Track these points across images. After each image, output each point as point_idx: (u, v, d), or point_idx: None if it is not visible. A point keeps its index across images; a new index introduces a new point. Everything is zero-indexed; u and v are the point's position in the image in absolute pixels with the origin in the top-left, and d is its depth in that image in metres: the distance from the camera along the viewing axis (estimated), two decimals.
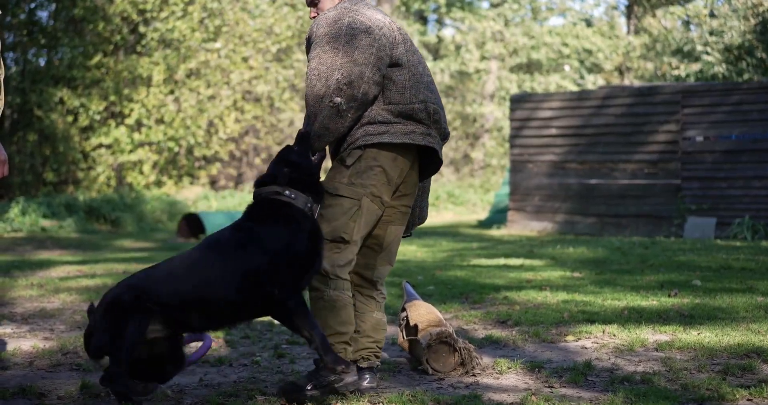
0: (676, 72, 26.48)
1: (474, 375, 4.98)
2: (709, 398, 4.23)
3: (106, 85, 23.83)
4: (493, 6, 35.61)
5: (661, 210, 16.61)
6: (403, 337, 5.31)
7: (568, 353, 5.46)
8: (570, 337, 5.86)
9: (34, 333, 6.45)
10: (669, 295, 7.47)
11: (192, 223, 17.27)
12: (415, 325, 5.21)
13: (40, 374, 5.09)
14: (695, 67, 25.39)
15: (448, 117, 33.88)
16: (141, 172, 24.53)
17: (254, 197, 4.42)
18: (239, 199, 23.60)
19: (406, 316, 5.31)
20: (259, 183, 4.46)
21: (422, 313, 5.29)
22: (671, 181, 16.53)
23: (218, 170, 26.72)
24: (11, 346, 5.88)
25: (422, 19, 38.30)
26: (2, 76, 4.01)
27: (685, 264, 9.91)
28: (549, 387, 4.61)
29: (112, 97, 23.89)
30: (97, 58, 23.87)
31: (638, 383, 4.58)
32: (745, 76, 23.48)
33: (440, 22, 38.44)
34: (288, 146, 4.51)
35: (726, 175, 16.00)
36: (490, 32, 34.24)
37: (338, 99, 4.36)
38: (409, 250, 12.63)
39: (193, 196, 23.83)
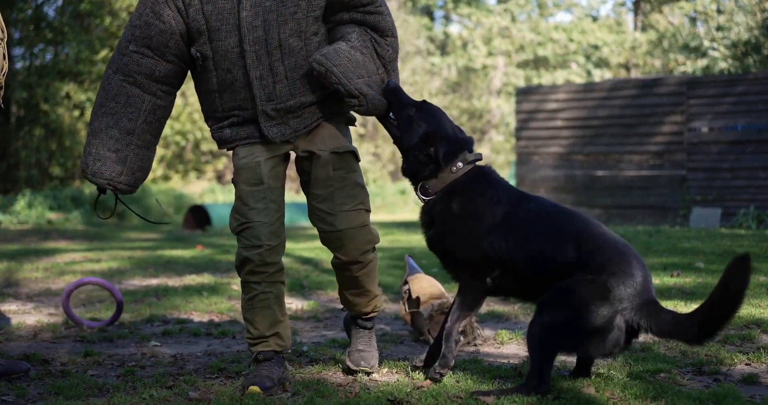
0: (682, 68, 26.47)
1: (475, 345, 5.00)
2: (708, 362, 4.25)
3: None
4: (500, 2, 35.62)
5: (667, 201, 16.61)
6: (406, 310, 5.32)
7: None
8: None
9: (39, 309, 6.50)
10: (671, 275, 7.48)
11: (198, 215, 17.33)
12: (417, 298, 5.23)
13: (44, 345, 5.13)
14: (701, 63, 25.39)
15: (454, 112, 33.92)
16: None
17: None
18: None
19: (408, 289, 5.32)
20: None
21: (424, 286, 5.30)
22: (676, 172, 16.53)
23: (225, 165, 26.75)
24: (16, 320, 5.93)
25: (429, 14, 38.33)
26: (5, 40, 4.07)
27: (689, 250, 9.90)
28: None
29: None
30: (103, 53, 23.91)
31: (638, 351, 4.60)
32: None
33: (447, 18, 38.45)
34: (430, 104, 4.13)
35: (731, 166, 15.99)
36: (496, 28, 34.26)
37: None
38: (414, 239, 12.65)
39: (199, 190, 23.89)
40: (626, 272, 3.61)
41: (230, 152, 4.29)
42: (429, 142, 3.95)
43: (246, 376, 4.01)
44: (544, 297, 3.67)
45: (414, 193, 4.10)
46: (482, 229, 3.84)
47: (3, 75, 4.09)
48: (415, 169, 4.00)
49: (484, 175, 3.96)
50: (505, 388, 3.69)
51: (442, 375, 3.91)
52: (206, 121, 4.15)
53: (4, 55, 4.10)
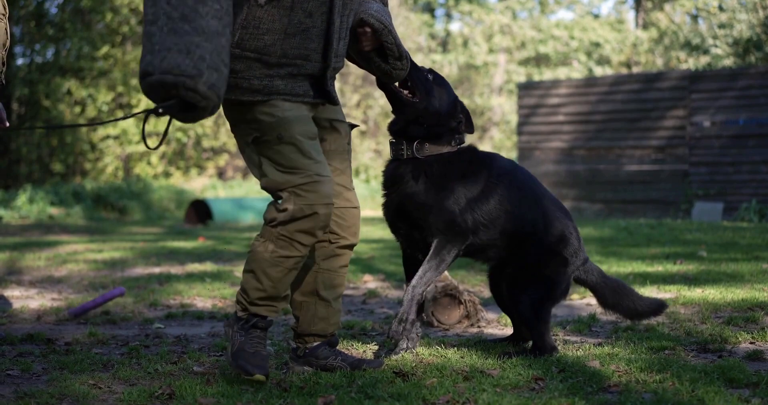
0: (684, 66, 26.46)
1: (479, 327, 5.00)
2: (712, 341, 4.25)
3: (114, 76, 23.88)
4: None
5: (669, 195, 16.61)
6: None
7: (574, 309, 5.49)
8: (575, 296, 5.88)
9: (42, 294, 6.50)
10: (674, 263, 7.49)
11: (199, 210, 17.31)
12: None
13: (47, 326, 5.13)
14: (703, 60, 25.38)
15: None
16: (149, 163, 24.58)
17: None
18: (246, 189, 23.63)
19: None
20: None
21: None
22: (678, 167, 16.53)
23: (226, 162, 26.73)
24: (19, 304, 5.93)
25: (430, 11, 38.33)
26: (6, 16, 4.12)
27: (691, 241, 9.91)
28: (553, 335, 4.62)
29: (120, 88, 23.94)
30: (104, 49, 23.93)
31: (641, 331, 4.59)
32: None
33: (448, 15, 38.44)
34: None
35: (733, 160, 15.99)
36: (497, 25, 34.24)
37: None
38: None
39: (200, 186, 23.86)
40: (572, 242, 4.12)
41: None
42: (459, 108, 4.03)
43: (245, 355, 3.48)
44: (520, 276, 4.05)
45: (396, 146, 3.99)
46: (477, 193, 3.98)
47: (5, 50, 4.13)
48: (436, 132, 3.95)
49: (476, 150, 4.12)
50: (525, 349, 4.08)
51: (396, 337, 3.91)
52: (238, 60, 3.39)
53: (6, 30, 4.15)
